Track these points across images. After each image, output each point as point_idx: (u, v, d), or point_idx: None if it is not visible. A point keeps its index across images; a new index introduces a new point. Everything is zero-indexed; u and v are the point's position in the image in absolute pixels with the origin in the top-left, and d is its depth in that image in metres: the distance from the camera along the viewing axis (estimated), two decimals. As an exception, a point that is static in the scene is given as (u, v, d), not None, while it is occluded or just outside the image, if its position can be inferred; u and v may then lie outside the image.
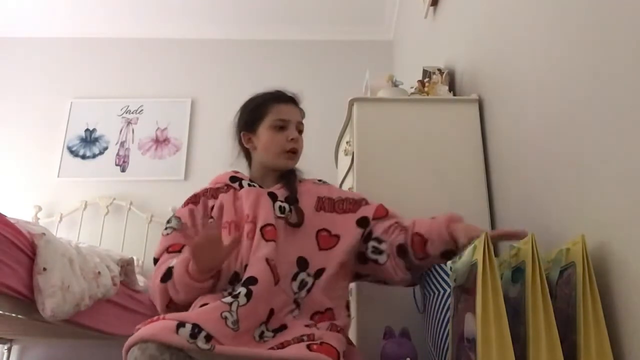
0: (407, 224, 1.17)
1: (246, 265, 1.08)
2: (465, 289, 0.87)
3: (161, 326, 0.84)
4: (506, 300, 0.83)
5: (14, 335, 2.73)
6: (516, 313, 0.81)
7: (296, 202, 1.21)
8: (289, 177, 1.27)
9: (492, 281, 0.78)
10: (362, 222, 1.19)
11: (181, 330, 0.83)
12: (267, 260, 1.06)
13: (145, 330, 0.84)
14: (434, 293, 1.11)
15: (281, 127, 1.26)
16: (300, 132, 1.30)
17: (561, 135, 1.03)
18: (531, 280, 0.78)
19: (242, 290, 0.98)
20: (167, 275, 1.07)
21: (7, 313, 1.61)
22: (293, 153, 1.27)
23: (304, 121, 1.33)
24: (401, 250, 1.13)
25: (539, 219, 1.13)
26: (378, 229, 1.18)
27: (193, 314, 0.89)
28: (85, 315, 1.88)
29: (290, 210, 1.19)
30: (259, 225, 1.12)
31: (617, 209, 0.82)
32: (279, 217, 1.16)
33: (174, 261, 1.08)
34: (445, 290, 1.06)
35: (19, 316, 1.67)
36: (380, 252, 1.15)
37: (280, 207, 1.18)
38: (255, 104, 1.31)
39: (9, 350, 2.88)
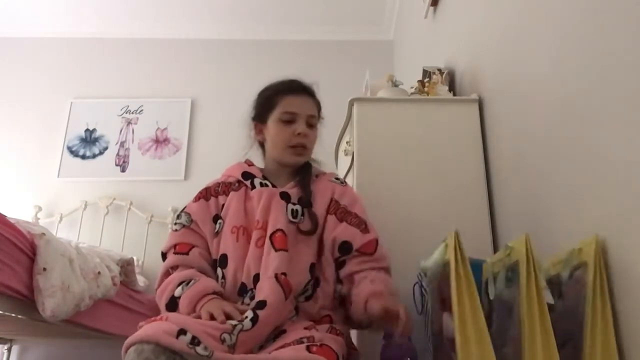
0: (358, 278, 1.10)
1: (254, 276, 1.06)
2: (440, 289, 0.87)
3: (162, 329, 0.83)
4: (499, 301, 0.83)
5: (14, 335, 2.73)
6: (510, 313, 0.81)
7: (310, 205, 1.16)
8: (304, 175, 1.22)
9: (466, 280, 0.78)
10: (344, 248, 1.13)
11: (181, 337, 0.82)
12: (276, 276, 1.02)
13: (145, 330, 0.83)
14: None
15: (288, 120, 1.20)
16: (312, 126, 1.23)
17: (561, 135, 1.03)
18: (526, 281, 0.78)
19: (249, 314, 0.94)
20: (172, 304, 1.04)
21: (7, 313, 1.61)
22: (301, 148, 1.20)
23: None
24: (342, 300, 1.12)
25: (539, 219, 1.13)
26: (348, 267, 1.13)
27: (195, 325, 0.87)
28: (85, 315, 1.88)
29: (303, 214, 1.14)
30: (268, 233, 1.08)
31: (618, 208, 0.82)
32: (291, 222, 1.12)
33: (179, 290, 1.04)
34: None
35: (19, 316, 1.67)
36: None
37: (292, 210, 1.13)
38: (266, 94, 1.25)
39: (9, 350, 2.88)
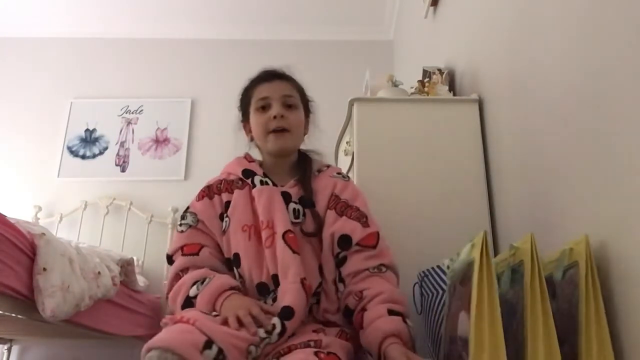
0: (366, 293, 1.01)
1: (273, 277, 1.03)
2: (461, 288, 0.86)
3: (188, 339, 0.79)
4: (504, 300, 0.83)
5: (14, 335, 2.74)
6: (514, 313, 0.80)
7: (312, 206, 1.12)
8: (304, 172, 1.18)
9: (488, 280, 0.77)
10: (343, 242, 1.07)
11: (206, 352, 0.79)
12: (302, 281, 0.99)
13: (170, 335, 0.80)
14: (431, 294, 1.11)
15: (263, 107, 1.18)
16: (290, 105, 1.19)
17: (561, 135, 1.03)
18: (530, 280, 0.78)
19: (277, 324, 0.91)
20: (188, 305, 1.01)
21: (7, 313, 1.61)
22: (281, 132, 1.17)
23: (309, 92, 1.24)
24: (347, 313, 1.05)
25: (539, 219, 1.13)
26: (351, 263, 1.06)
27: (222, 335, 0.83)
28: (85, 315, 1.88)
29: (304, 215, 1.11)
30: (279, 233, 1.05)
31: (619, 209, 0.82)
32: (295, 223, 1.08)
33: (194, 289, 1.01)
34: (444, 291, 1.05)
35: (19, 316, 1.67)
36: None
37: (294, 210, 1.10)
38: (243, 92, 1.26)
39: (9, 350, 2.88)
